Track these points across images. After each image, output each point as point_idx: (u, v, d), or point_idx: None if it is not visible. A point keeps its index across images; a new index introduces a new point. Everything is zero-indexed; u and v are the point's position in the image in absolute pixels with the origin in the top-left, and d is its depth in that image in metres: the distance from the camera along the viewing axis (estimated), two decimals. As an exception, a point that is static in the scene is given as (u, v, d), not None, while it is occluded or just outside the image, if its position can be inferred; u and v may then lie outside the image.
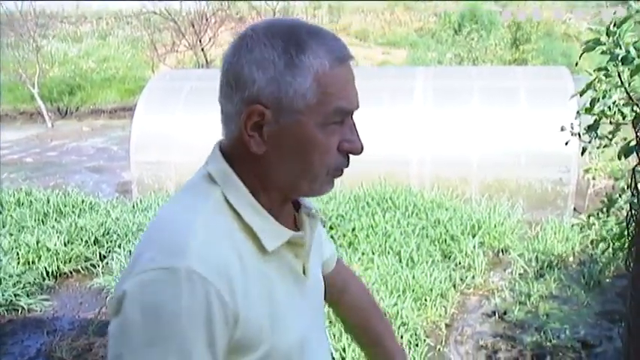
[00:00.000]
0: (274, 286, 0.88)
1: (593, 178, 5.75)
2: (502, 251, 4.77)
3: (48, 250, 4.68)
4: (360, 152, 0.90)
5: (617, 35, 1.33)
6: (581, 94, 1.69)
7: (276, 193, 0.89)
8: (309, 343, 0.94)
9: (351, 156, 0.90)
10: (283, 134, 0.84)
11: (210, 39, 12.04)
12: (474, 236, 4.74)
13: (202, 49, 11.82)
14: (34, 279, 4.36)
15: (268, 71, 0.82)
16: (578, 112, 1.62)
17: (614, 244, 2.41)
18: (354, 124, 0.90)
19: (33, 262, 4.57)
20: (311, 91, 0.83)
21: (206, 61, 11.89)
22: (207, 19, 12.05)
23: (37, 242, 4.76)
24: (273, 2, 12.78)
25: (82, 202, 5.85)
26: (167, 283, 0.75)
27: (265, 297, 0.85)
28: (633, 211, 1.36)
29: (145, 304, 0.75)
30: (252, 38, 0.84)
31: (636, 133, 1.24)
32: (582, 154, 1.97)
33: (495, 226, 4.95)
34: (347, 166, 0.90)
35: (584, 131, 1.80)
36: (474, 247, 4.56)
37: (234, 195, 0.86)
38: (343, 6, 19.11)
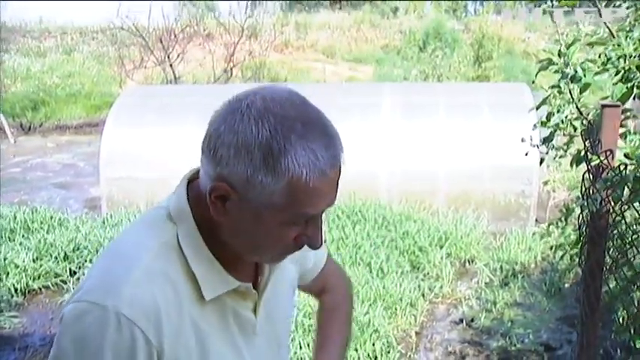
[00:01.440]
0: (213, 331, 0.92)
1: (553, 191, 6.00)
2: (468, 261, 4.93)
3: (16, 266, 4.62)
4: (317, 248, 0.90)
5: (567, 56, 1.48)
6: (537, 108, 1.84)
7: (231, 250, 0.92)
8: None
9: None
10: (244, 217, 0.86)
11: (178, 55, 12.05)
12: (441, 247, 4.89)
13: (171, 65, 11.82)
14: (2, 296, 4.29)
15: (244, 161, 0.81)
16: (535, 125, 1.75)
17: (571, 249, 2.57)
18: (321, 221, 0.89)
19: (0, 279, 4.51)
20: (279, 193, 0.82)
21: (174, 77, 11.89)
22: (175, 36, 12.07)
23: (5, 259, 4.70)
24: (240, 18, 12.89)
25: (51, 217, 5.78)
26: (96, 319, 0.82)
27: (200, 340, 0.90)
28: (584, 214, 1.49)
29: (75, 334, 0.83)
30: (242, 115, 0.82)
31: (584, 143, 1.37)
32: (540, 164, 2.11)
33: (462, 237, 5.12)
34: (298, 250, 0.92)
35: (542, 142, 1.96)
36: (442, 257, 4.71)
37: (186, 239, 0.90)
38: (310, 23, 19.37)
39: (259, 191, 0.82)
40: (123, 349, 0.82)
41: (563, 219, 2.74)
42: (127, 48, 14.06)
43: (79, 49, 17.59)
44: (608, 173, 1.28)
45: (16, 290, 4.44)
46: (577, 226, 1.81)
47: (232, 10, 13.57)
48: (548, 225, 2.78)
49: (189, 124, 5.91)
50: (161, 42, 11.81)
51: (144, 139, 6.33)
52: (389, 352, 3.40)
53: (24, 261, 4.71)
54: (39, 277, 4.63)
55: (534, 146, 2.18)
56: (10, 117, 12.53)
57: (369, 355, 3.33)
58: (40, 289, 4.58)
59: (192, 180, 0.94)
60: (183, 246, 0.89)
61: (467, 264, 4.91)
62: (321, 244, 0.91)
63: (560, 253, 2.82)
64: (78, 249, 5.02)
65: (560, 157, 2.06)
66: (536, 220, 5.76)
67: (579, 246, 1.83)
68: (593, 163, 1.40)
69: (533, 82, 1.97)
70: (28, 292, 4.52)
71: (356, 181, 5.85)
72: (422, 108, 6.30)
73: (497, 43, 12.75)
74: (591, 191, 1.39)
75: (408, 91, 7.28)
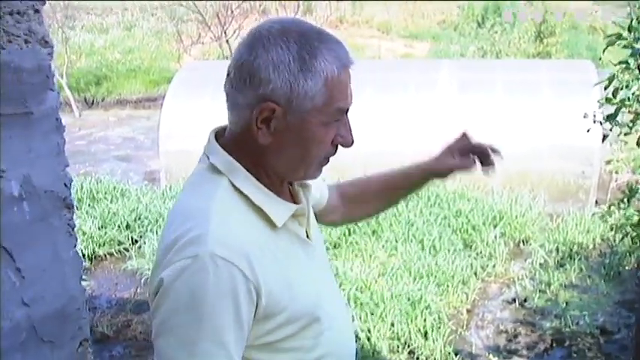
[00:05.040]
0: (287, 257, 1.00)
1: (616, 172, 5.78)
2: (523, 242, 4.86)
3: (84, 233, 4.89)
4: (351, 145, 1.01)
5: (637, 31, 1.43)
6: (606, 87, 1.78)
7: (274, 175, 1.01)
8: (323, 297, 1.06)
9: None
10: (289, 129, 0.94)
11: (234, 31, 12.19)
12: (495, 227, 4.83)
13: (227, 41, 11.98)
14: (72, 260, 4.56)
15: (284, 73, 0.91)
16: (599, 102, 1.71)
17: (633, 231, 2.50)
18: (349, 120, 1.01)
19: (70, 245, 4.78)
20: (320, 94, 0.92)
21: (231, 53, 12.04)
22: (232, 12, 12.19)
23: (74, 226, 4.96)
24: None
25: (114, 188, 6.05)
26: (196, 270, 0.87)
27: (282, 268, 0.97)
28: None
29: (180, 290, 0.88)
30: (268, 40, 0.92)
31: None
32: (603, 141, 2.06)
33: (517, 217, 5.03)
34: (334, 155, 1.03)
35: (605, 119, 1.90)
36: (495, 237, 4.66)
37: (241, 181, 0.97)
38: (366, -2, 19.09)
39: (302, 98, 0.92)
40: (225, 290, 0.88)
41: (625, 200, 2.67)
42: (184, 24, 14.33)
43: (139, 25, 18.04)
44: (676, 151, 1.25)
45: (84, 255, 4.70)
46: (640, 207, 1.77)
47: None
48: (609, 206, 2.70)
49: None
50: (218, 18, 11.98)
51: (202, 113, 6.48)
52: (439, 328, 3.42)
53: (90, 228, 4.98)
54: (104, 244, 4.89)
55: (597, 122, 2.12)
56: (75, 91, 13.05)
57: (419, 329, 3.37)
58: (105, 255, 4.83)
59: (217, 138, 1.03)
60: (241, 187, 0.97)
61: (521, 244, 4.84)
62: (353, 140, 1.01)
63: (620, 234, 2.75)
64: (139, 219, 5.26)
65: (626, 134, 2.00)
66: (597, 202, 5.58)
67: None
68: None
69: (600, 59, 1.92)
70: (95, 257, 4.79)
71: (410, 158, 5.82)
72: (479, 85, 6.17)
73: (562, 18, 12.18)
74: (657, 169, 1.36)
75: (465, 67, 7.12)
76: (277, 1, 13.21)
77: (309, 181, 1.10)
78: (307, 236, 1.07)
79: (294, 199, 1.08)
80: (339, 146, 1.01)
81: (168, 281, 0.89)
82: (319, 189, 1.28)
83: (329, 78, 0.92)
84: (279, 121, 0.93)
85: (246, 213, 0.96)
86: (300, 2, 12.67)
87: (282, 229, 1.00)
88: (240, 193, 0.97)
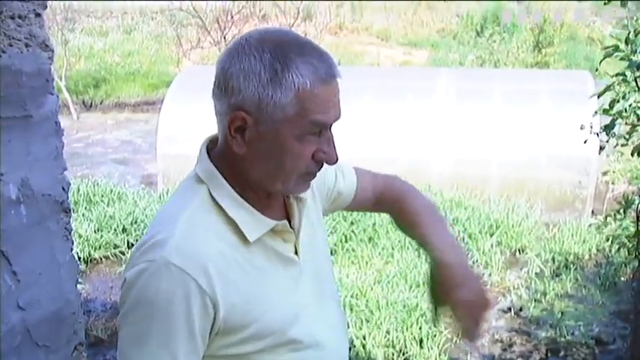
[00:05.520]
0: (261, 273, 0.98)
1: (612, 183, 5.80)
2: (519, 251, 4.86)
3: (80, 236, 4.87)
4: (334, 163, 0.99)
5: (634, 43, 1.45)
6: (599, 96, 1.80)
7: (257, 187, 0.99)
8: (306, 315, 1.03)
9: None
10: (262, 139, 0.93)
11: (234, 36, 12.20)
12: (491, 235, 4.84)
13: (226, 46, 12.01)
14: (67, 263, 4.55)
15: (253, 83, 0.90)
16: (596, 112, 1.73)
17: (629, 242, 2.51)
18: (332, 137, 0.98)
19: (65, 248, 4.76)
20: (290, 106, 0.91)
21: (230, 57, 12.06)
22: (232, 17, 12.22)
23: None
24: (296, 2, 12.91)
25: (111, 191, 6.03)
26: (150, 274, 0.89)
27: (251, 284, 0.95)
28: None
29: (137, 291, 0.90)
30: (244, 49, 0.92)
31: (648, 132, 1.35)
32: (600, 152, 2.07)
33: (513, 226, 5.04)
34: (318, 171, 0.99)
35: (602, 130, 1.92)
36: (492, 246, 4.66)
37: (218, 192, 0.96)
38: (366, 5, 19.16)
39: (272, 109, 0.91)
40: (177, 299, 0.88)
41: (621, 211, 2.68)
42: (184, 28, 14.36)
43: (139, 29, 18.07)
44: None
45: (79, 258, 4.69)
46: (636, 218, 1.78)
47: (288, -8, 13.58)
48: (605, 217, 2.72)
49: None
50: (218, 23, 12.00)
51: (200, 117, 6.47)
52: (435, 336, 3.42)
53: (86, 231, 4.96)
54: (100, 248, 4.86)
55: (594, 134, 2.14)
56: (73, 94, 13.04)
57: (414, 337, 3.37)
58: (101, 258, 4.81)
59: (210, 148, 1.03)
60: (218, 198, 0.97)
61: (517, 253, 4.84)
62: (337, 159, 0.98)
63: (616, 245, 2.76)
64: (136, 222, 5.24)
65: (622, 145, 2.01)
66: (593, 212, 5.60)
67: (638, 238, 1.79)
68: (656, 153, 1.38)
69: (596, 69, 1.94)
70: (90, 261, 4.77)
71: (407, 166, 5.84)
72: (477, 94, 6.19)
73: (560, 28, 12.24)
74: (653, 181, 1.37)
75: (463, 76, 7.16)
76: (278, 2, 13.21)
77: (304, 195, 1.06)
78: (296, 252, 1.04)
79: (287, 212, 1.06)
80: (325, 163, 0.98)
81: (129, 281, 0.91)
82: (347, 187, 1.25)
83: (300, 90, 0.90)
84: (252, 130, 0.93)
85: (219, 224, 0.96)
86: (300, 8, 12.70)
87: (258, 244, 0.98)
88: (217, 204, 0.97)
